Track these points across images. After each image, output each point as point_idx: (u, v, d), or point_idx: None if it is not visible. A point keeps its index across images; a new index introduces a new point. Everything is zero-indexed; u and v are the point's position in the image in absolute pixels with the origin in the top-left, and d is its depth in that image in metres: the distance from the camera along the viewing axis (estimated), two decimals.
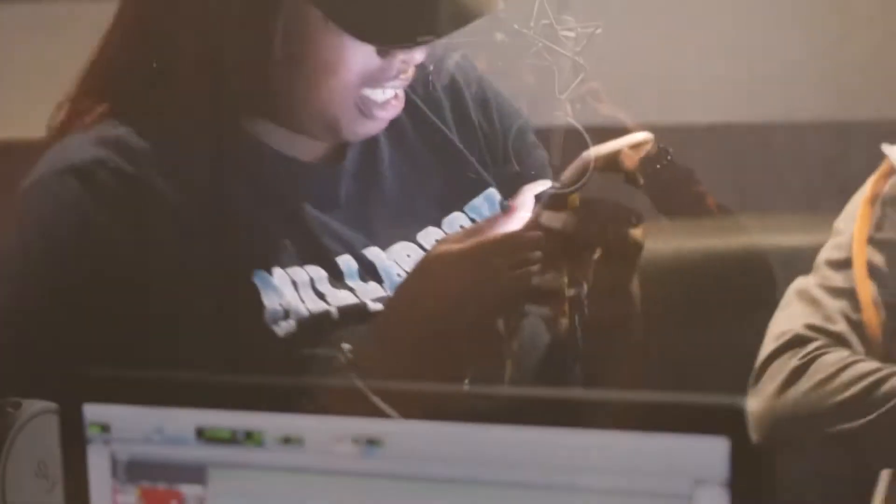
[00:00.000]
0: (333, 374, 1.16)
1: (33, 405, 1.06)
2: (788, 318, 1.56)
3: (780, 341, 1.54)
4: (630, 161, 1.20)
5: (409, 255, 1.30)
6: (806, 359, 1.51)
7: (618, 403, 0.75)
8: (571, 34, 1.52)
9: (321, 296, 1.24)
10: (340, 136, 1.28)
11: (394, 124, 1.31)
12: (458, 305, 1.14)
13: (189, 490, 0.83)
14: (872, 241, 1.55)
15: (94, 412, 0.84)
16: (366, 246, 1.29)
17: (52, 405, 1.06)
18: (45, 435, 1.06)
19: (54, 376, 0.88)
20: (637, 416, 0.74)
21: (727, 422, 0.72)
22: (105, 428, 0.84)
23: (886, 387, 1.46)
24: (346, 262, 1.27)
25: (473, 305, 1.13)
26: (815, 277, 1.58)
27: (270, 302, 1.21)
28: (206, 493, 0.83)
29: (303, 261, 1.25)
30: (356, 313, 1.24)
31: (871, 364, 1.50)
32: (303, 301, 1.23)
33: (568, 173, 1.16)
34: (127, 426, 0.84)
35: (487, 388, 1.00)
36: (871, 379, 1.47)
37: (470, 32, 1.62)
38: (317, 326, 1.22)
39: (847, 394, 1.48)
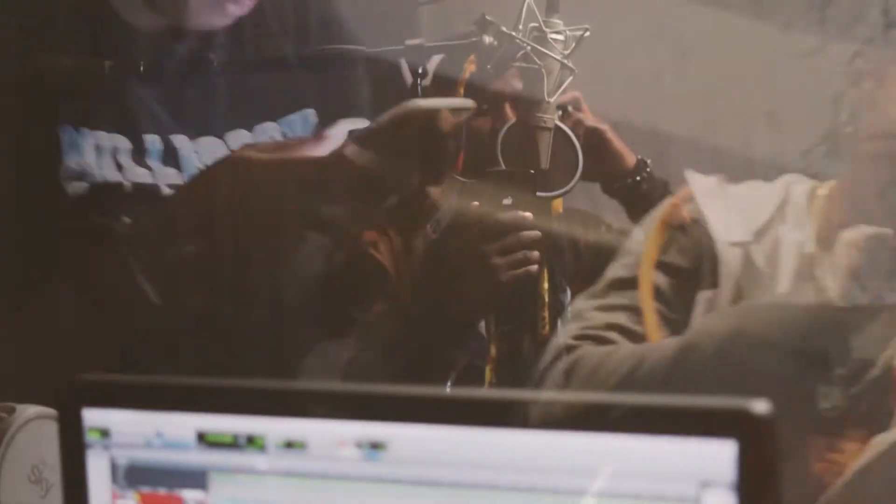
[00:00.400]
0: (106, 244, 1.17)
1: (27, 410, 1.06)
2: (561, 335, 1.53)
3: (549, 356, 1.51)
4: (446, 123, 1.22)
5: (213, 151, 1.32)
6: (571, 360, 1.48)
7: (625, 406, 0.75)
8: (560, 37, 1.52)
9: (119, 167, 1.26)
10: (187, 19, 1.30)
11: (238, 25, 1.33)
12: (243, 210, 1.15)
13: (190, 495, 0.83)
14: (659, 264, 1.52)
15: (93, 417, 0.84)
16: (175, 132, 1.31)
17: (47, 410, 1.05)
18: (39, 440, 1.06)
19: (53, 381, 0.87)
20: (644, 419, 0.74)
21: (735, 424, 0.72)
22: (104, 433, 0.84)
23: (647, 364, 1.42)
24: (152, 141, 1.29)
25: (257, 215, 1.15)
26: (595, 298, 1.54)
27: (69, 159, 1.23)
28: (207, 499, 0.82)
29: (112, 128, 1.26)
30: (148, 193, 1.26)
31: (632, 346, 1.47)
32: (100, 167, 1.24)
33: (386, 116, 1.18)
34: (127, 431, 0.83)
35: (496, 392, 1.00)
36: (634, 359, 1.43)
37: (459, 35, 1.61)
38: (107, 195, 1.24)
39: (613, 380, 1.44)
